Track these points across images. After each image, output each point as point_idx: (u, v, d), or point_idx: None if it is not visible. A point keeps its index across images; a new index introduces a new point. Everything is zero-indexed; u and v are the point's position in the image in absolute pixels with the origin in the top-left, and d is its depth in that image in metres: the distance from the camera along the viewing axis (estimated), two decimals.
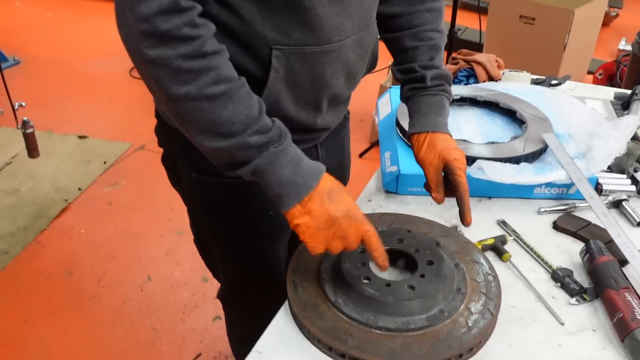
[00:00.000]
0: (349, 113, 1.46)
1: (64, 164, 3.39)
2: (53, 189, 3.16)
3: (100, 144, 3.59)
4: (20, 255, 2.69)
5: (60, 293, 2.49)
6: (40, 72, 4.44)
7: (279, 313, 1.11)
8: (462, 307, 1.07)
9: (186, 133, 0.95)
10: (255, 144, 0.93)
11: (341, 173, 1.49)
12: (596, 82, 3.95)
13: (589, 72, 4.14)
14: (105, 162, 3.40)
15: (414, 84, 1.26)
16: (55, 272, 2.60)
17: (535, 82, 1.95)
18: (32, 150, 2.88)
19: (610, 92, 1.94)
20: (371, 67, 1.28)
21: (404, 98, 1.31)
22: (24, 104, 4.10)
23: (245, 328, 1.59)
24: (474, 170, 1.37)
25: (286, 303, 1.12)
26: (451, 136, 1.23)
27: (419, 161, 1.23)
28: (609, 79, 3.98)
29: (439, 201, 1.21)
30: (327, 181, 0.99)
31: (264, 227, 1.30)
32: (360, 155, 3.38)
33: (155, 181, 3.19)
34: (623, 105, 1.78)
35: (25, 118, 2.75)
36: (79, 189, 3.16)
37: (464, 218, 1.17)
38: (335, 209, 0.97)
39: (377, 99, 1.82)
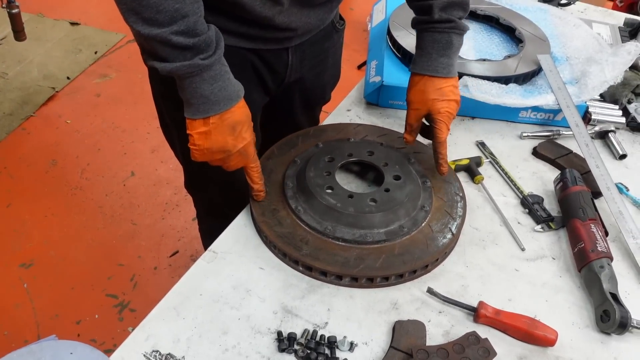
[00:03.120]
0: (342, 25, 1.36)
1: (53, 50, 3.29)
2: (41, 75, 3.08)
3: (93, 32, 3.46)
4: (5, 141, 2.67)
5: (43, 181, 2.49)
6: None
7: (239, 216, 1.10)
8: (423, 225, 1.05)
9: (116, 4, 0.89)
10: (178, 44, 0.87)
11: (320, 86, 1.41)
12: (615, 9, 3.74)
13: None
14: (96, 52, 3.29)
15: (421, 15, 1.13)
16: (40, 160, 2.59)
17: None
18: (18, 32, 2.76)
19: (621, 17, 1.83)
20: None
21: (414, 28, 1.16)
22: None
23: (210, 222, 1.61)
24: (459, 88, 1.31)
25: (248, 206, 1.10)
26: (455, 77, 1.12)
27: (406, 99, 1.15)
28: (630, 8, 3.76)
29: (407, 142, 1.17)
30: (239, 112, 0.96)
31: None
32: (359, 67, 3.27)
33: (145, 76, 3.04)
34: (631, 33, 1.68)
35: None
36: (68, 78, 3.08)
37: (438, 168, 1.12)
38: (233, 143, 0.96)
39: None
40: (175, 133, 1.33)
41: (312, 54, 1.27)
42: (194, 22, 0.87)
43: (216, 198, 1.43)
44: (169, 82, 1.23)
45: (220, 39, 0.93)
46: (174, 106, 1.27)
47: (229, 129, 0.95)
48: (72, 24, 3.51)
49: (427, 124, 1.15)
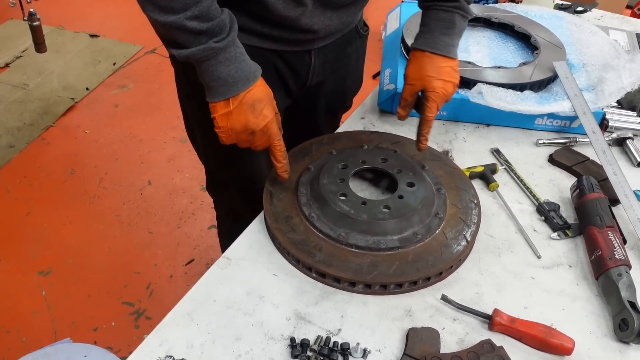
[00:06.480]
0: (366, 31, 1.36)
1: (73, 62, 3.35)
2: (61, 86, 3.14)
3: (111, 44, 3.52)
4: (25, 150, 2.72)
5: (61, 190, 2.53)
6: None
7: (253, 223, 1.10)
8: (437, 232, 1.04)
9: None
10: (193, 29, 0.91)
11: (341, 91, 1.42)
12: (634, 16, 3.71)
13: (628, 7, 3.89)
14: (114, 64, 3.34)
15: None
16: (59, 169, 2.63)
17: (559, 7, 1.82)
18: (39, 44, 2.83)
19: (638, 24, 1.81)
20: None
21: (421, 7, 1.20)
22: None
23: (230, 224, 1.62)
24: (473, 95, 1.30)
25: (262, 213, 1.11)
26: (454, 58, 1.13)
27: (404, 74, 1.17)
28: None
29: (399, 116, 1.20)
30: (258, 91, 0.99)
31: None
32: (374, 76, 3.27)
33: (163, 86, 3.15)
34: None
35: (31, 10, 2.68)
36: (87, 89, 3.13)
37: (418, 143, 1.15)
38: (254, 121, 0.99)
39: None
40: (199, 133, 1.34)
41: (334, 58, 1.28)
42: (207, 6, 0.92)
43: (236, 200, 1.44)
44: (193, 82, 1.25)
45: (234, 22, 0.97)
46: (197, 106, 1.29)
47: (249, 108, 0.98)
48: (92, 36, 3.58)
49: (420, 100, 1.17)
